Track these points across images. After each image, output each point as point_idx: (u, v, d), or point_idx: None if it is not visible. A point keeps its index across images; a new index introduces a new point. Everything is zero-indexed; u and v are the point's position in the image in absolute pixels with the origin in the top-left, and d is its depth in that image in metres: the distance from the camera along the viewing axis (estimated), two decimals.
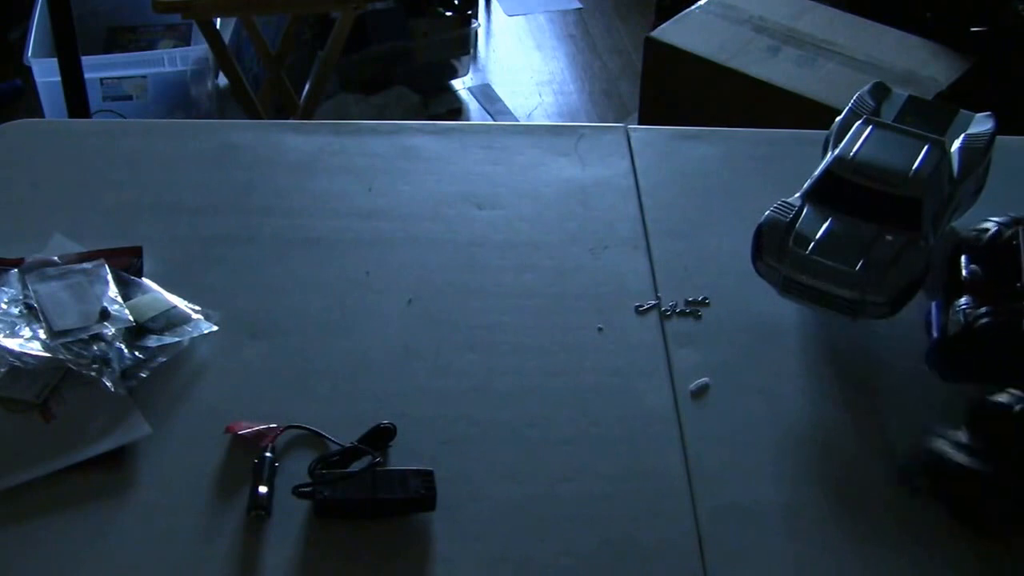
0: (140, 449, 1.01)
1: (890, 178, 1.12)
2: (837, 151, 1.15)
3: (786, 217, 1.12)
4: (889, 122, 1.20)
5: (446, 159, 1.37)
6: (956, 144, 1.20)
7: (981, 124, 1.23)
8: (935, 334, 1.07)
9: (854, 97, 1.27)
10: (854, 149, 1.15)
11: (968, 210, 1.23)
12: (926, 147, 1.14)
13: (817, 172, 1.15)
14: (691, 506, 0.97)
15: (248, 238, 1.24)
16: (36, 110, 2.76)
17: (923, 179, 1.11)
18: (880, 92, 1.27)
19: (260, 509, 0.94)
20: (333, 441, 1.01)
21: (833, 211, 1.12)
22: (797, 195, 1.14)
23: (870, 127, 1.18)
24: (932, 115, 1.24)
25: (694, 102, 2.46)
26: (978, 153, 1.20)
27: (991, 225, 1.14)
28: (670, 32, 2.53)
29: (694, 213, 1.30)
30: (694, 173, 1.37)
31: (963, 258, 1.10)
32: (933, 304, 1.10)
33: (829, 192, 1.13)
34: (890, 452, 1.02)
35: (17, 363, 1.03)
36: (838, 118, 1.25)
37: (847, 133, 1.19)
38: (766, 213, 1.13)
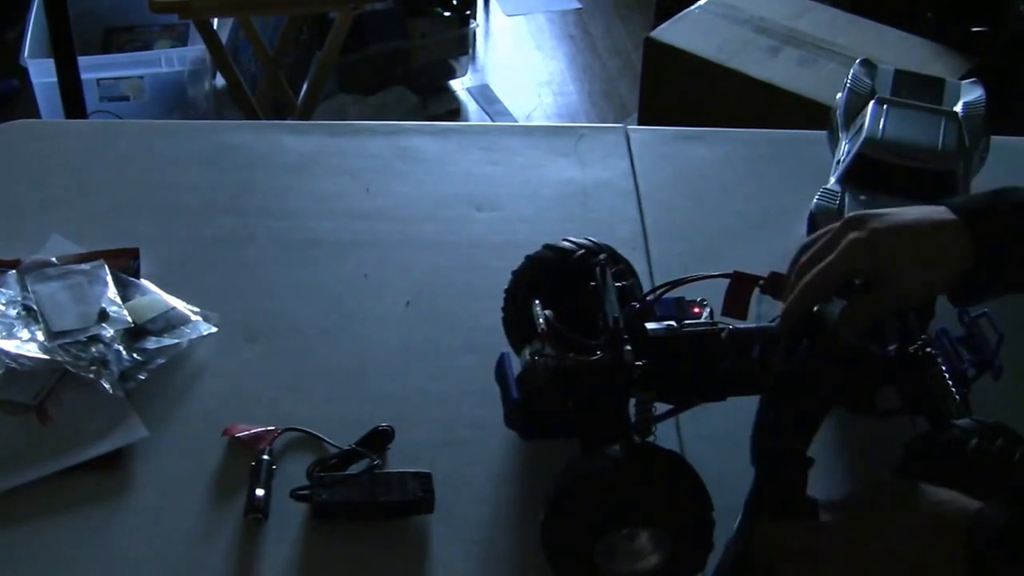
0: (137, 451, 1.00)
1: (922, 154, 1.16)
2: (864, 133, 1.16)
3: (833, 203, 1.14)
4: (892, 98, 1.22)
5: (444, 160, 1.37)
6: (958, 113, 1.22)
7: (971, 92, 1.26)
8: (512, 390, 0.94)
9: (849, 75, 1.28)
10: (880, 129, 1.16)
11: (977, 173, 1.24)
12: (943, 121, 1.17)
13: (849, 155, 1.15)
14: None
15: (246, 239, 1.24)
16: (32, 111, 2.75)
17: (952, 152, 1.15)
18: (870, 68, 1.29)
19: (257, 512, 0.94)
20: (331, 444, 1.00)
21: (872, 192, 1.14)
22: (834, 181, 1.15)
23: (885, 106, 1.20)
24: (925, 87, 1.26)
25: (694, 103, 2.46)
26: (980, 119, 1.22)
27: (568, 245, 1.02)
28: (670, 32, 2.52)
29: (693, 214, 1.29)
30: (694, 174, 1.36)
31: (536, 303, 0.94)
32: (502, 355, 0.99)
33: (864, 174, 1.16)
34: (890, 451, 1.01)
35: (14, 365, 1.03)
36: (839, 95, 1.27)
37: (855, 113, 1.21)
38: (814, 201, 1.15)
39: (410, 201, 1.30)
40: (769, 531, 0.84)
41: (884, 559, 0.78)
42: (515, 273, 1.03)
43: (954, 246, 0.86)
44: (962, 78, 1.31)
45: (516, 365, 0.95)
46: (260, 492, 0.95)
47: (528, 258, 1.03)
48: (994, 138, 1.25)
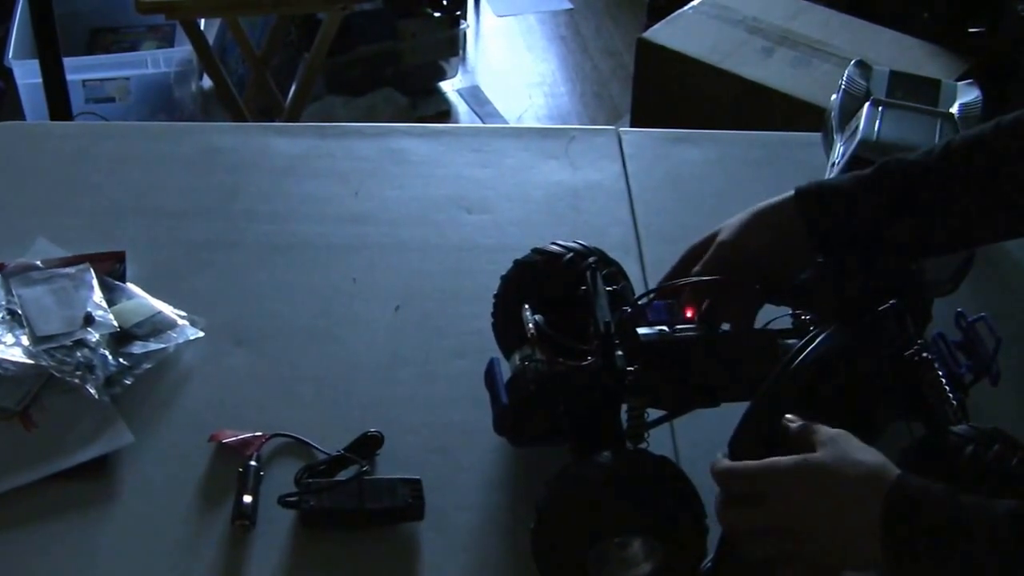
0: (123, 457, 0.99)
1: None
2: (859, 135, 1.15)
3: None
4: (887, 100, 1.21)
5: (434, 162, 1.36)
6: (954, 115, 1.22)
7: (968, 93, 1.25)
8: (502, 395, 0.91)
9: (844, 76, 1.27)
10: (875, 131, 1.15)
11: None
12: (939, 122, 1.16)
13: (844, 157, 1.14)
14: None
15: (233, 243, 1.23)
16: (17, 112, 2.73)
17: None
18: (865, 70, 1.28)
19: (245, 519, 0.93)
20: (319, 449, 0.99)
21: None
22: None
23: (880, 107, 1.19)
24: (920, 89, 1.25)
25: (687, 104, 2.45)
26: (976, 122, 1.21)
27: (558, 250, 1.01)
28: (662, 33, 2.52)
29: (686, 217, 1.29)
30: (686, 176, 1.36)
31: (525, 308, 0.93)
32: (491, 360, 0.96)
33: None
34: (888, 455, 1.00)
35: None
36: (833, 97, 1.26)
37: (850, 114, 1.20)
38: None
39: (400, 204, 1.29)
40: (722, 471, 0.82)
41: (809, 515, 0.77)
42: (504, 278, 1.02)
43: (785, 220, 0.94)
44: (958, 79, 1.30)
45: (506, 370, 0.94)
46: (247, 498, 0.94)
47: (516, 262, 1.02)
48: None
